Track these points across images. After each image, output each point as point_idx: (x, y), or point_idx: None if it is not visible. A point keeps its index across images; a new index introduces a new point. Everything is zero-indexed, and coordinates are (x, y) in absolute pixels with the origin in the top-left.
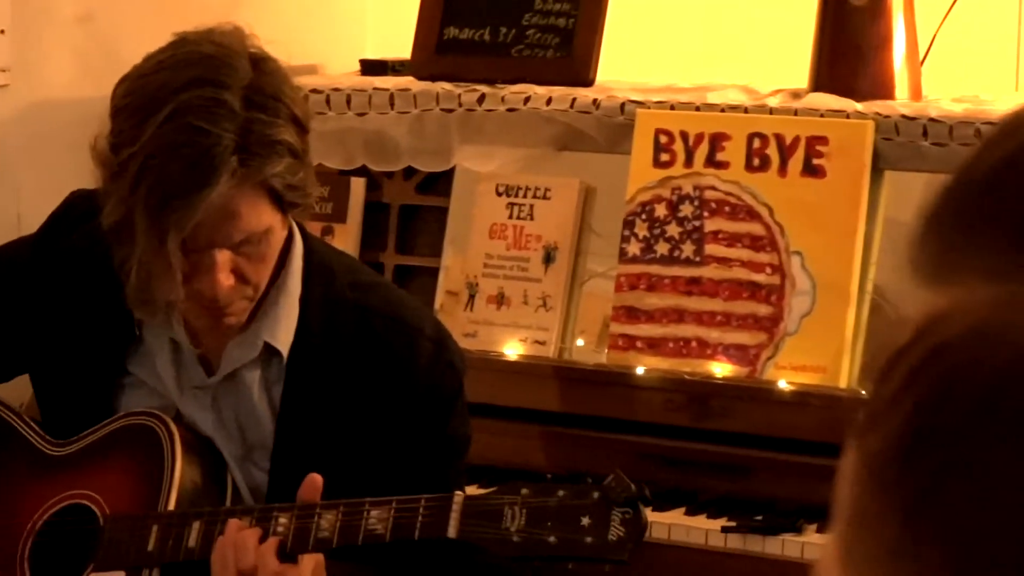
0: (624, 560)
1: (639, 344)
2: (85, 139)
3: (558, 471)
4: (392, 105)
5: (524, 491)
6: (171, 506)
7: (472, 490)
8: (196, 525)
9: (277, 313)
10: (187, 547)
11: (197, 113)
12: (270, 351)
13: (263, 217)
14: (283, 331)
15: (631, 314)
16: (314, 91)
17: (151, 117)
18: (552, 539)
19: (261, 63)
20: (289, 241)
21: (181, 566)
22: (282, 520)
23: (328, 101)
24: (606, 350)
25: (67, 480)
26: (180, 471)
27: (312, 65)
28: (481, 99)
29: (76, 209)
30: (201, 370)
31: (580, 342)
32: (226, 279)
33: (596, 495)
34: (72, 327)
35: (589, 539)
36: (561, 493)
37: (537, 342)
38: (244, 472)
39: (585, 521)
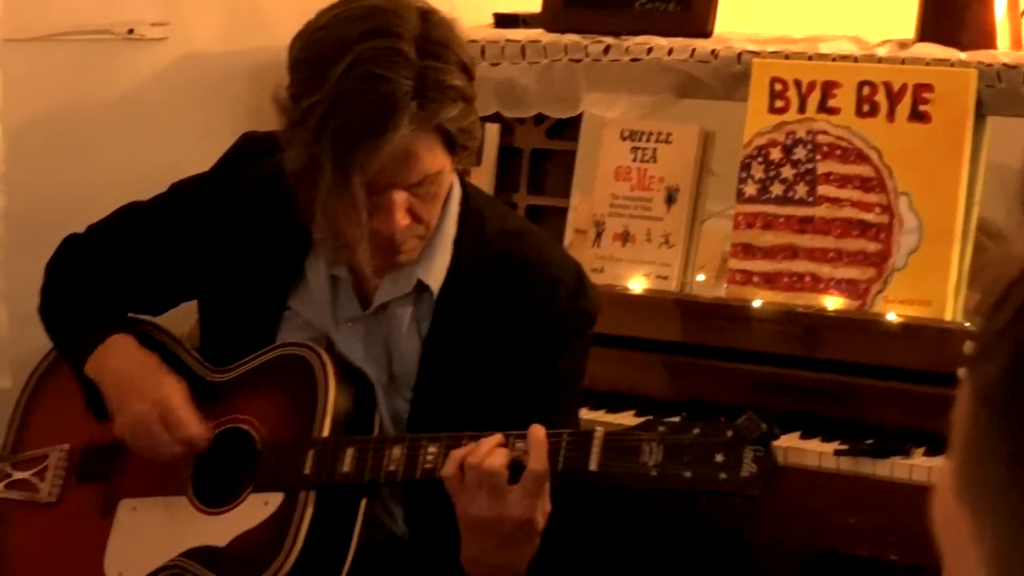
0: (755, 496)
1: (755, 279)
2: (233, 91)
3: (679, 398)
4: (523, 56)
5: (661, 428)
6: (325, 433)
7: (599, 414)
8: (349, 452)
9: (432, 252)
10: (341, 472)
11: (375, 62)
12: (421, 288)
13: (438, 159)
14: (436, 270)
15: (748, 251)
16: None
17: (331, 68)
18: (688, 474)
19: (428, 14)
20: (449, 185)
21: (335, 489)
22: (431, 449)
23: (483, 52)
24: (724, 284)
25: (226, 405)
26: (333, 399)
27: None
28: (606, 50)
29: (247, 148)
30: (357, 304)
31: (700, 277)
32: (403, 218)
33: (730, 433)
34: (241, 261)
35: (723, 475)
36: (696, 431)
37: (660, 277)
38: (388, 400)
39: (719, 458)
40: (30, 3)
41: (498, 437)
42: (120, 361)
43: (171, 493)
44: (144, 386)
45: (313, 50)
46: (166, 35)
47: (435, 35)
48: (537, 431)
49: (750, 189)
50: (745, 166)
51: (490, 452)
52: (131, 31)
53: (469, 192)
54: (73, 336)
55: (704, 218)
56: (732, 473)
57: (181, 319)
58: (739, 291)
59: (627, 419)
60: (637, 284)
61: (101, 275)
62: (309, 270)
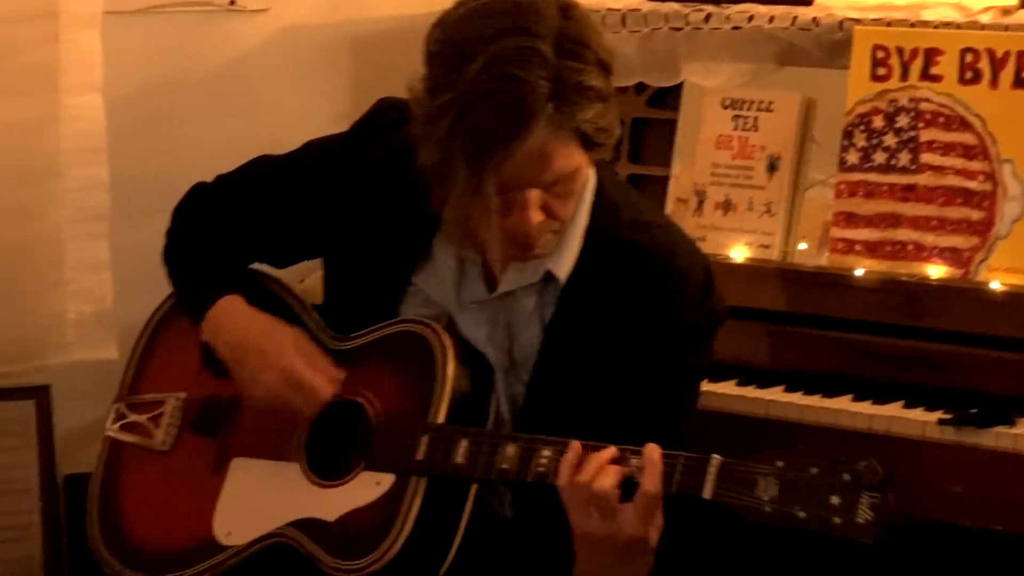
0: (869, 543)
1: (858, 247)
2: (333, 63)
3: (781, 368)
4: (624, 24)
5: (779, 463)
6: (441, 416)
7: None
8: (463, 443)
9: (563, 243)
10: (454, 463)
11: (511, 62)
12: (548, 277)
13: (574, 158)
14: (565, 260)
15: (850, 219)
16: (611, 9)
17: (466, 66)
18: (802, 514)
19: (569, 9)
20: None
21: (446, 478)
22: (545, 453)
23: (624, 20)
24: (827, 253)
25: (343, 375)
26: (451, 382)
27: None
28: (707, 18)
29: (385, 116)
30: (483, 286)
31: (802, 246)
32: (537, 216)
33: (847, 477)
34: (370, 231)
35: (837, 519)
36: (814, 470)
37: (762, 246)
38: (506, 384)
39: (835, 500)
40: None
41: (611, 451)
42: (233, 329)
43: (284, 458)
44: (264, 353)
45: (450, 46)
46: (267, 6)
47: (574, 32)
48: (652, 451)
49: (852, 157)
50: (847, 134)
51: (600, 470)
52: (232, 2)
53: (604, 181)
54: (191, 284)
55: (806, 186)
56: (847, 518)
57: (298, 276)
58: (841, 260)
59: (728, 388)
60: (739, 253)
61: (227, 224)
62: (436, 248)
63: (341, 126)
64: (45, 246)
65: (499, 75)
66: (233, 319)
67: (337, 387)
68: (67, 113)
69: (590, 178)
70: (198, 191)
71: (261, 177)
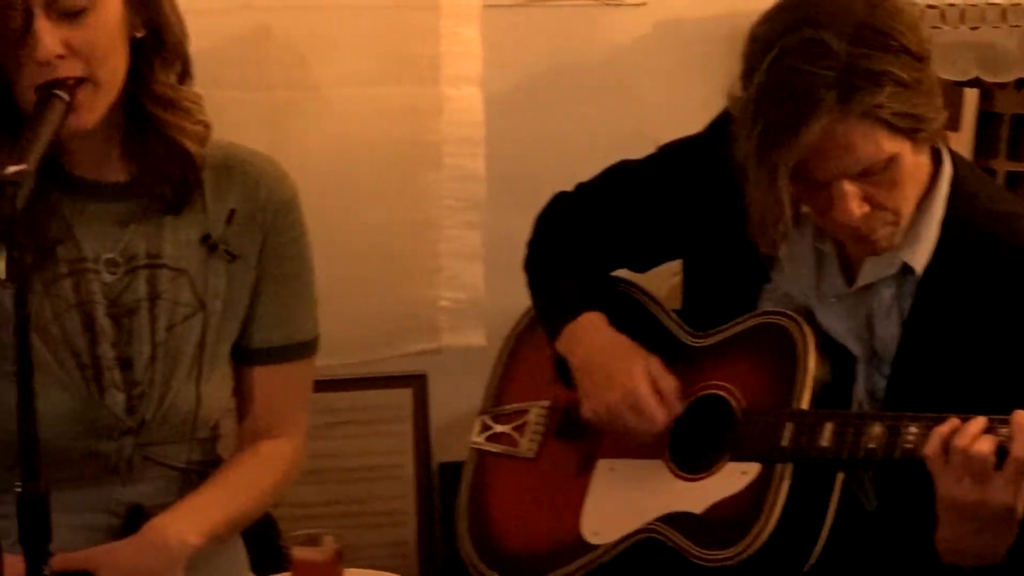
0: None
1: None
2: (709, 56)
3: None
4: (1004, 19)
5: None
6: (803, 404)
7: None
8: (828, 426)
9: (918, 235)
10: (820, 446)
11: (795, 55)
12: (905, 269)
13: (881, 146)
14: (921, 252)
15: None
16: (929, 7)
17: (760, 62)
18: None
19: (876, 1)
20: (938, 166)
21: (812, 462)
22: (912, 429)
23: (943, 16)
24: None
25: (704, 371)
26: (813, 371)
27: None
28: None
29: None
30: (841, 279)
31: None
32: (857, 208)
33: None
34: (728, 229)
35: None
36: None
37: None
38: (865, 376)
39: None
40: None
41: (982, 421)
42: (590, 344)
43: (648, 456)
44: (613, 374)
45: (752, 42)
46: (645, 0)
47: (876, 22)
48: (1021, 417)
49: None
50: None
51: (977, 436)
52: None
53: (961, 172)
54: (550, 299)
55: None
56: None
57: (658, 281)
58: None
59: None
60: None
61: (589, 231)
62: (794, 243)
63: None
64: (423, 234)
65: (784, 69)
66: (590, 336)
67: (672, 420)
68: (448, 105)
69: (945, 167)
70: (559, 200)
71: (622, 182)
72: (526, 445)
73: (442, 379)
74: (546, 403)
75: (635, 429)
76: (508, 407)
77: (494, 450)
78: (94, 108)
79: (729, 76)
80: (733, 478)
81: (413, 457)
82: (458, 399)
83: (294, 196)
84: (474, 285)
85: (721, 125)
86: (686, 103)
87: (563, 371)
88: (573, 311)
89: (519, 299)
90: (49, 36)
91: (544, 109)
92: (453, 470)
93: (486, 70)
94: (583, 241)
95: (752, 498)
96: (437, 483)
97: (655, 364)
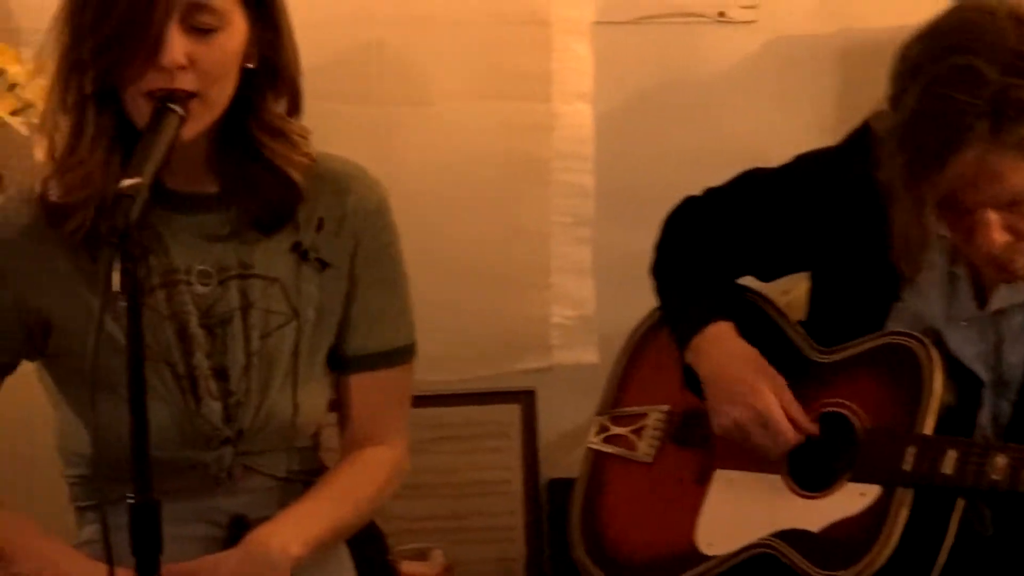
0: None
1: None
2: (820, 73)
3: None
4: None
5: None
6: (927, 429)
7: None
8: (952, 454)
9: None
10: (942, 473)
11: (947, 83)
12: None
13: None
14: None
15: None
16: None
17: (912, 86)
18: None
19: None
20: None
21: (933, 489)
22: None
23: None
24: None
25: (827, 388)
26: (939, 395)
27: None
28: None
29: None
30: (973, 303)
31: None
32: (1000, 236)
33: None
34: (860, 245)
35: None
36: None
37: None
38: (991, 402)
39: None
40: None
41: None
42: (719, 357)
43: (767, 471)
44: (743, 390)
45: (904, 64)
46: (755, 18)
47: None
48: None
49: None
50: None
51: None
52: (721, 14)
53: None
54: (679, 305)
55: None
56: None
57: (775, 294)
58: None
59: None
60: None
61: (717, 236)
62: (925, 264)
63: (824, 138)
64: (533, 249)
65: (935, 96)
66: (719, 347)
67: (802, 437)
68: (558, 121)
69: None
70: (689, 204)
71: (753, 189)
72: (644, 449)
73: (551, 395)
74: (666, 407)
75: (764, 446)
76: (627, 409)
77: (611, 451)
78: (198, 123)
79: (837, 93)
80: (852, 499)
81: (521, 473)
82: (567, 415)
83: (383, 201)
84: (585, 301)
85: (860, 138)
86: (795, 120)
87: (691, 379)
88: (703, 320)
89: (630, 315)
90: (178, 44)
91: (653, 125)
92: (562, 486)
93: (596, 86)
94: (712, 247)
95: (870, 521)
96: (545, 499)
97: (781, 382)
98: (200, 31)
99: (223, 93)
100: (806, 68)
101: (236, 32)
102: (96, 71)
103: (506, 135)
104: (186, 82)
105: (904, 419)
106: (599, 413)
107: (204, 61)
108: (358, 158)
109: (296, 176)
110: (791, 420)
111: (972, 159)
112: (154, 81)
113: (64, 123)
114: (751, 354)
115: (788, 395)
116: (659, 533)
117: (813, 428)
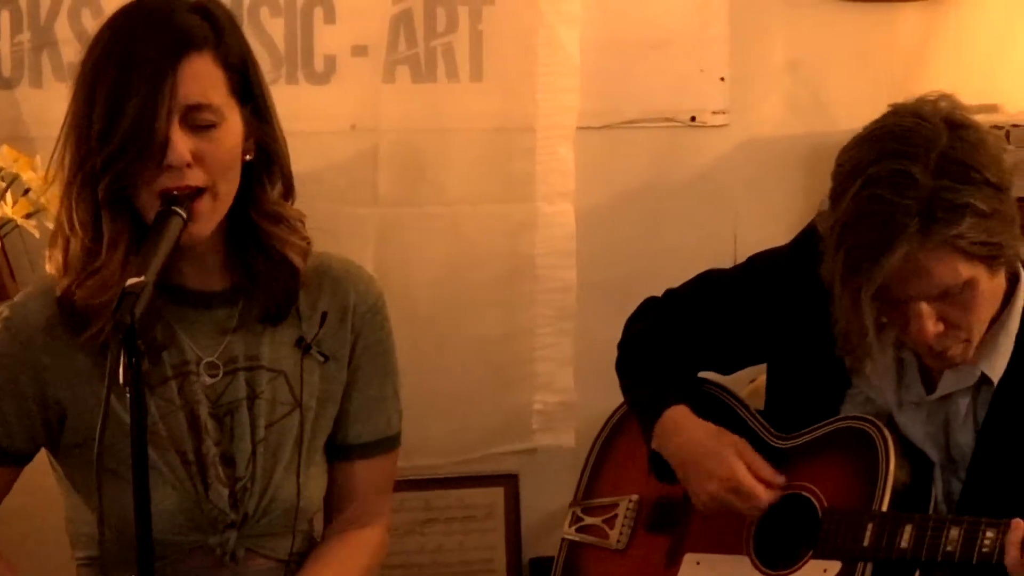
0: None
1: None
2: (791, 172)
3: None
4: None
5: None
6: (884, 506)
7: None
8: (908, 528)
9: (996, 348)
10: (899, 547)
11: (882, 184)
12: (983, 380)
13: (959, 272)
14: (998, 364)
15: None
16: (995, 127)
17: (849, 187)
18: None
19: (960, 131)
20: (1015, 284)
21: (892, 563)
22: (989, 534)
23: (1008, 136)
24: None
25: (788, 471)
26: (893, 474)
27: (992, 104)
28: None
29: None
30: (920, 387)
31: None
32: (932, 327)
33: None
34: (812, 337)
35: None
36: None
37: None
38: (943, 480)
39: None
40: (603, 96)
41: None
42: (679, 440)
43: (734, 552)
44: (711, 464)
45: (843, 166)
46: (727, 122)
47: (960, 155)
48: None
49: None
50: None
51: None
52: (693, 119)
53: None
54: (640, 396)
55: None
56: None
57: (742, 381)
58: None
59: None
60: None
61: (677, 333)
62: (875, 350)
63: (795, 234)
64: (520, 342)
65: (870, 197)
66: (679, 429)
67: (776, 493)
68: (543, 220)
69: (1021, 286)
70: (649, 305)
71: (712, 289)
72: (616, 537)
73: (533, 478)
74: (635, 496)
75: (742, 510)
76: (599, 500)
77: (584, 541)
78: (212, 218)
79: (806, 191)
80: (815, 575)
81: (504, 552)
82: (548, 497)
83: (380, 297)
84: (566, 388)
85: (806, 239)
86: (767, 217)
87: (657, 465)
88: (661, 406)
89: (607, 401)
90: (182, 144)
91: (634, 223)
92: (543, 565)
93: (578, 186)
94: (672, 343)
95: None
96: None
97: (744, 446)
98: (201, 128)
99: (230, 186)
100: (775, 167)
101: (233, 126)
102: (109, 179)
103: (496, 235)
104: (195, 178)
105: (863, 498)
106: (572, 504)
107: (209, 156)
108: (359, 257)
109: (297, 260)
110: (760, 480)
111: (903, 256)
112: (166, 181)
113: (80, 230)
114: (710, 428)
115: (752, 454)
116: None
117: (782, 480)
